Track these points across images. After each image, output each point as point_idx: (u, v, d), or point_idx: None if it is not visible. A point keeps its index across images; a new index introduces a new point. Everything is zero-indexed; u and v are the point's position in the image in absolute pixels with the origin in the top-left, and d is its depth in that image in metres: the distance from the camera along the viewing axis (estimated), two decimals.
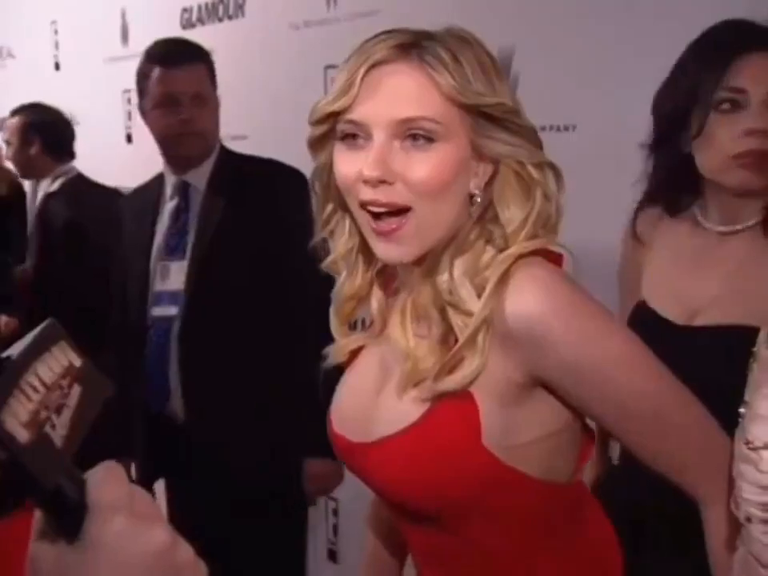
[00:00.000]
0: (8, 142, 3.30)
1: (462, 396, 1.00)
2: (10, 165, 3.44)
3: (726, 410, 1.00)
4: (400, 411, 1.04)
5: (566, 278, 1.02)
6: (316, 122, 1.04)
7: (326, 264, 1.13)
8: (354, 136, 1.00)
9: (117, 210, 2.41)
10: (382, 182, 0.98)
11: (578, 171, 1.90)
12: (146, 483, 2.34)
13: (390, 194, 0.98)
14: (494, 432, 1.00)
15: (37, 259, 3.15)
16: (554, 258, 1.05)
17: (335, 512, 2.85)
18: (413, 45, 1.00)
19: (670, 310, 1.47)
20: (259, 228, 2.10)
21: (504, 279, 0.98)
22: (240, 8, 3.09)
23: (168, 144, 2.18)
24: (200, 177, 2.19)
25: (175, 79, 2.12)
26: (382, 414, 1.07)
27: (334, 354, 1.16)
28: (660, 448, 1.02)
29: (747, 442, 0.91)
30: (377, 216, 1.00)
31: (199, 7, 3.28)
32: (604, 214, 1.76)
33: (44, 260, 3.11)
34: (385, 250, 1.02)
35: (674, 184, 1.49)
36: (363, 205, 1.00)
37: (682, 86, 1.43)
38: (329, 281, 2.20)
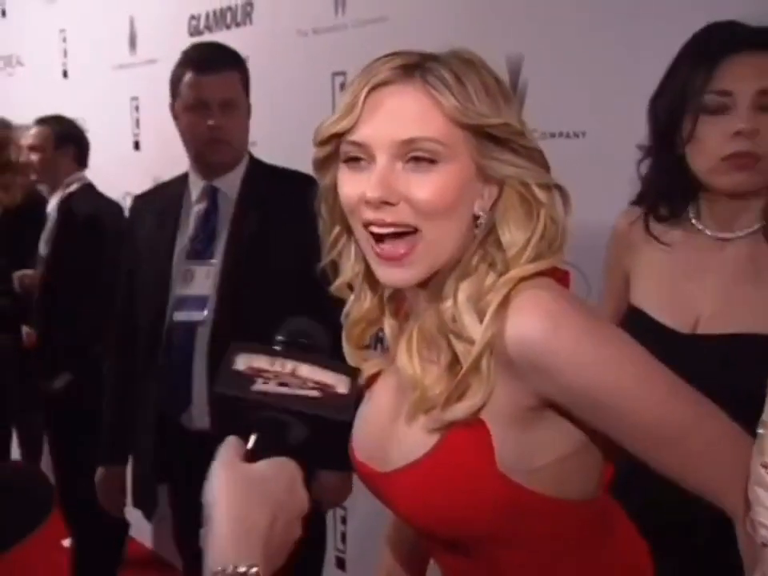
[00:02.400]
0: (35, 148, 3.35)
1: (473, 423, 0.99)
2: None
3: (733, 419, 0.99)
4: (413, 441, 1.03)
5: (570, 299, 0.99)
6: (320, 144, 1.03)
7: (334, 287, 1.12)
8: (357, 159, 1.00)
9: (131, 207, 2.41)
10: (385, 203, 0.97)
11: (587, 178, 1.89)
12: (148, 487, 2.32)
13: (394, 215, 0.97)
14: (509, 456, 0.99)
15: (53, 248, 3.23)
16: (561, 277, 1.03)
17: (344, 520, 2.84)
18: (416, 66, 0.99)
19: (669, 317, 1.46)
20: (289, 239, 2.08)
21: (505, 303, 0.97)
22: (248, 15, 3.09)
23: (195, 149, 2.18)
24: (230, 183, 2.18)
25: (206, 85, 2.12)
26: (397, 444, 1.06)
27: None
28: (684, 464, 0.98)
29: (765, 465, 0.89)
30: (380, 239, 0.99)
31: (207, 14, 3.28)
32: (613, 220, 1.74)
33: (62, 250, 3.19)
34: (387, 275, 1.00)
35: (668, 187, 1.49)
36: (366, 225, 0.99)
37: (673, 90, 1.44)
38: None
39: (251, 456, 0.79)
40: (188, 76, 2.14)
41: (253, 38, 2.96)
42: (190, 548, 2.33)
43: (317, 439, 0.82)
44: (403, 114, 0.97)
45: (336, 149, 1.02)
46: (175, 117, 2.21)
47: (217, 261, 2.13)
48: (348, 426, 0.82)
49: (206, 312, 2.11)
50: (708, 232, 1.47)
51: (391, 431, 1.08)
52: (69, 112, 3.55)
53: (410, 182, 0.97)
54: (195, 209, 2.20)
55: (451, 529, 1.04)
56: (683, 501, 1.03)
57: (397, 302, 1.12)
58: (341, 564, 2.90)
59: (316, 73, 2.77)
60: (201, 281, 2.13)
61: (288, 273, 2.07)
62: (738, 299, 1.41)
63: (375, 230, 0.98)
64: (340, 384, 0.81)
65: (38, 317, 3.26)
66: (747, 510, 0.93)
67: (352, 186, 1.00)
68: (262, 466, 0.79)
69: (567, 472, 1.03)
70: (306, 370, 0.81)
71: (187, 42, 2.80)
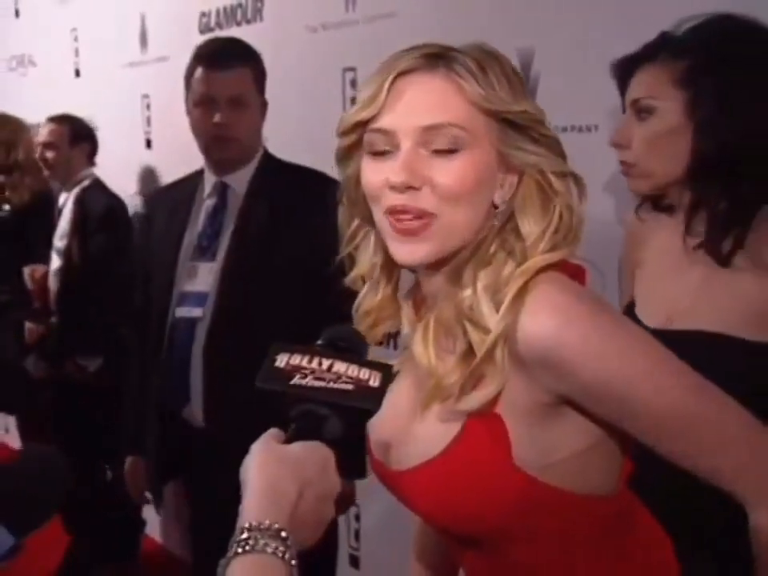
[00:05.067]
0: (50, 145, 3.39)
1: (490, 418, 0.99)
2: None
3: None
4: (430, 438, 1.04)
5: (583, 295, 0.99)
6: (343, 133, 1.04)
7: (349, 279, 1.13)
8: (383, 152, 1.01)
9: (147, 203, 2.44)
10: (409, 187, 0.98)
11: (599, 172, 1.88)
12: (159, 482, 2.34)
13: (417, 200, 0.98)
14: (525, 451, 0.99)
15: (72, 241, 3.29)
16: (576, 273, 1.03)
17: (357, 517, 2.84)
18: (439, 55, 1.00)
19: (646, 313, 1.46)
20: (295, 237, 2.07)
21: (521, 295, 0.97)
22: (258, 12, 3.08)
23: (203, 145, 2.18)
24: (240, 180, 2.18)
25: (214, 81, 2.12)
26: (413, 442, 1.07)
27: None
28: (696, 453, 0.98)
29: None
30: (398, 219, 1.00)
31: (218, 11, 3.28)
32: (626, 214, 1.73)
33: (82, 241, 3.26)
34: (403, 251, 1.01)
35: None
36: (389, 212, 1.00)
37: None
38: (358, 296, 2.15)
39: (288, 443, 0.84)
40: (198, 71, 2.14)
41: (263, 35, 2.95)
42: (200, 542, 2.34)
43: (350, 431, 0.87)
44: (426, 101, 0.99)
45: (359, 138, 1.03)
46: (187, 112, 2.21)
47: (220, 257, 2.13)
48: None
49: (204, 309, 2.11)
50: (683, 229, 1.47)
51: (408, 430, 1.08)
52: (81, 111, 3.56)
53: (433, 166, 0.98)
54: (205, 204, 2.21)
55: (468, 524, 1.04)
56: (694, 488, 1.03)
57: (414, 297, 1.12)
58: (354, 562, 2.89)
59: (326, 69, 2.76)
60: (203, 277, 2.14)
61: (293, 272, 2.06)
62: (705, 299, 1.40)
63: (396, 218, 0.99)
64: (373, 378, 0.86)
65: (57, 306, 3.34)
66: None
67: (376, 172, 1.01)
68: (295, 446, 0.83)
69: (584, 467, 1.02)
70: (342, 367, 0.86)
71: (198, 39, 2.80)
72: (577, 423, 1.01)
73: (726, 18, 1.41)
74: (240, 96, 2.13)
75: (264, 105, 2.22)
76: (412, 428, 1.07)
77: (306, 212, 2.09)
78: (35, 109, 3.95)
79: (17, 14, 4.85)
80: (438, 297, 1.05)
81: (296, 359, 0.87)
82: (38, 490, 0.93)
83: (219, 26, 3.27)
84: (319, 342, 0.92)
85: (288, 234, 2.09)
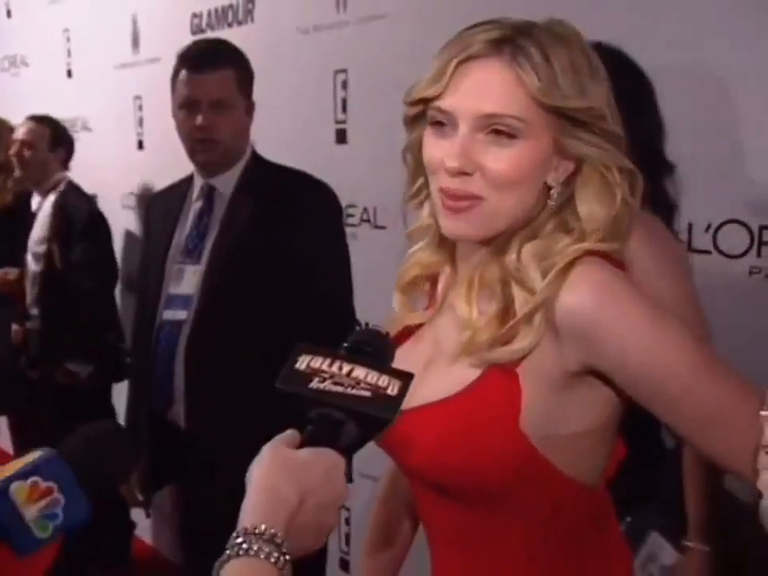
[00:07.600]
0: (29, 144, 3.35)
1: (508, 376, 1.01)
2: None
3: None
4: (444, 382, 1.05)
5: (624, 278, 1.01)
6: (410, 104, 1.08)
7: (408, 232, 1.18)
8: (442, 123, 1.03)
9: (145, 206, 2.44)
10: (462, 172, 1.00)
11: None
12: (153, 485, 2.33)
13: (467, 184, 1.01)
14: (534, 418, 1.00)
15: (50, 244, 3.26)
16: (617, 265, 1.04)
17: (347, 521, 2.83)
18: (508, 41, 1.01)
19: None
20: (279, 240, 2.07)
21: (568, 268, 0.99)
22: (249, 13, 3.08)
23: (188, 148, 2.18)
24: (226, 182, 2.17)
25: (196, 84, 2.11)
26: (426, 384, 1.07)
27: (388, 323, 1.19)
28: (716, 437, 0.97)
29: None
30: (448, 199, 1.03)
31: (209, 13, 3.28)
32: None
33: (66, 245, 3.23)
34: (451, 227, 1.04)
35: None
36: (441, 191, 1.04)
37: None
38: (344, 299, 2.16)
39: (301, 446, 0.84)
40: (182, 74, 2.14)
41: (254, 36, 2.95)
42: (190, 544, 2.33)
43: (365, 439, 0.86)
44: (488, 88, 1.01)
45: (424, 110, 1.07)
46: (173, 115, 2.20)
47: (204, 260, 2.13)
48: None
49: (188, 311, 2.11)
50: None
51: (421, 377, 1.06)
52: (73, 112, 3.55)
53: (488, 153, 1.01)
54: (193, 207, 2.21)
55: (457, 475, 1.04)
56: None
57: (452, 260, 1.16)
58: (344, 565, 2.89)
59: (317, 70, 2.76)
60: (189, 280, 2.14)
61: (276, 274, 2.06)
62: None
63: (448, 202, 1.02)
64: (391, 386, 0.85)
65: (39, 310, 3.30)
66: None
67: (435, 149, 1.04)
68: (303, 452, 0.82)
69: (580, 451, 1.04)
70: (362, 373, 0.85)
71: (189, 40, 2.78)
72: (587, 401, 1.02)
73: (596, 46, 1.49)
74: (222, 98, 2.11)
75: (250, 106, 2.20)
76: (425, 375, 1.07)
77: (291, 213, 2.08)
78: (27, 109, 3.94)
79: (9, 14, 4.84)
80: (482, 258, 1.08)
81: (317, 362, 0.86)
82: (109, 458, 0.92)
83: (210, 27, 3.27)
84: (345, 344, 0.91)
85: (272, 235, 2.08)
